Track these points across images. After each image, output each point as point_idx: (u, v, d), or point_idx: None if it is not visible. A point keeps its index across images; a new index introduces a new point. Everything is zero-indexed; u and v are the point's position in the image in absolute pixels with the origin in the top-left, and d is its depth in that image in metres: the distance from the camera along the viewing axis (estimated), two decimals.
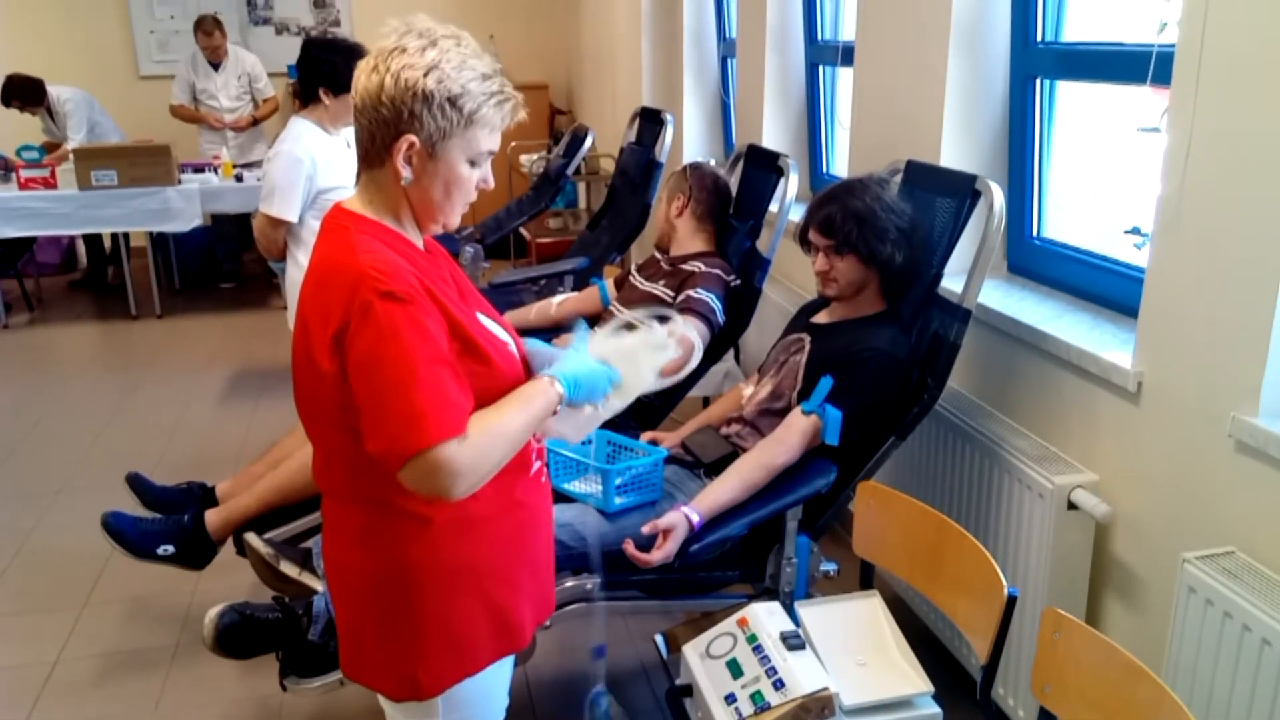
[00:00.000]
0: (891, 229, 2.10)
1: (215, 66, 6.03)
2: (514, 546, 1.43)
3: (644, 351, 1.48)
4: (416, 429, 1.19)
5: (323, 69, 2.83)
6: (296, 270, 2.96)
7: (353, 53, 2.82)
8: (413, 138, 1.26)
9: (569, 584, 2.00)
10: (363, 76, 1.28)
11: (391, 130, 1.26)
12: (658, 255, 2.98)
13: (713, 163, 3.01)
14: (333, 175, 2.88)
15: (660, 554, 1.90)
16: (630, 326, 1.52)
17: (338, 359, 1.23)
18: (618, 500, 2.07)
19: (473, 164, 1.32)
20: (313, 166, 2.85)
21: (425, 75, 1.24)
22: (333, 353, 1.23)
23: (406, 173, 1.28)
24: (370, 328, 1.20)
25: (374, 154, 1.30)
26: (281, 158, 2.85)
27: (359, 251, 1.24)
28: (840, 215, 2.12)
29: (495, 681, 1.47)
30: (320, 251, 1.31)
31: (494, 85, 1.29)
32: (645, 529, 1.93)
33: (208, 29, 5.85)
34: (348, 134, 2.94)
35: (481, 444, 1.25)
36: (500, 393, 1.33)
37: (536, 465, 1.47)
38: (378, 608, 1.36)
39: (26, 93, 5.71)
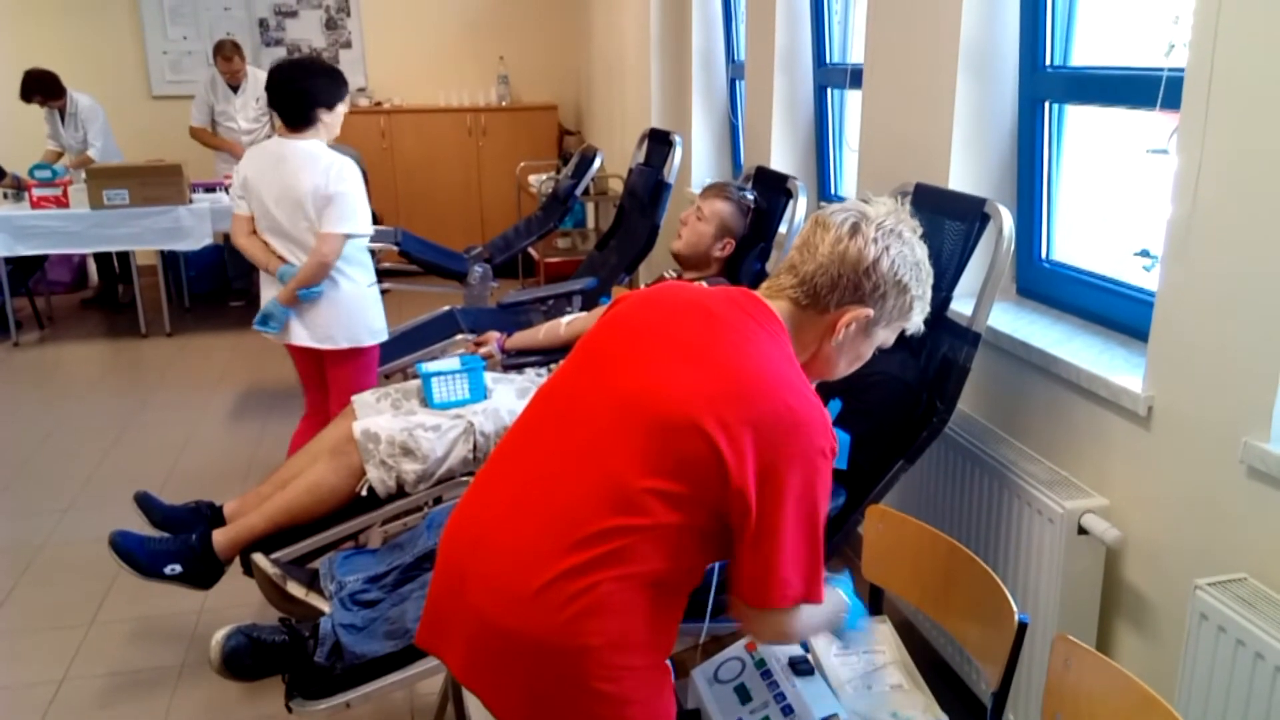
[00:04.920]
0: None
1: (234, 89, 6.10)
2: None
3: None
4: (813, 585, 1.31)
5: (320, 93, 2.95)
6: (350, 284, 3.01)
7: (328, 68, 3.02)
8: (870, 313, 1.38)
9: None
10: (862, 241, 1.38)
11: (856, 297, 1.38)
12: (667, 275, 2.98)
13: (750, 197, 2.92)
14: None
15: None
16: None
17: (766, 479, 1.27)
18: None
19: (876, 346, 1.46)
20: None
21: (911, 270, 1.39)
22: (767, 471, 1.27)
23: (841, 337, 1.40)
24: (816, 477, 1.29)
25: (823, 301, 1.39)
26: (351, 179, 2.92)
27: (810, 387, 1.34)
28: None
29: None
30: (775, 362, 1.34)
31: (931, 293, 1.46)
32: None
33: (227, 54, 5.92)
34: (306, 146, 2.95)
35: (815, 614, 1.39)
36: None
37: None
38: (597, 671, 1.33)
39: (46, 86, 5.78)
